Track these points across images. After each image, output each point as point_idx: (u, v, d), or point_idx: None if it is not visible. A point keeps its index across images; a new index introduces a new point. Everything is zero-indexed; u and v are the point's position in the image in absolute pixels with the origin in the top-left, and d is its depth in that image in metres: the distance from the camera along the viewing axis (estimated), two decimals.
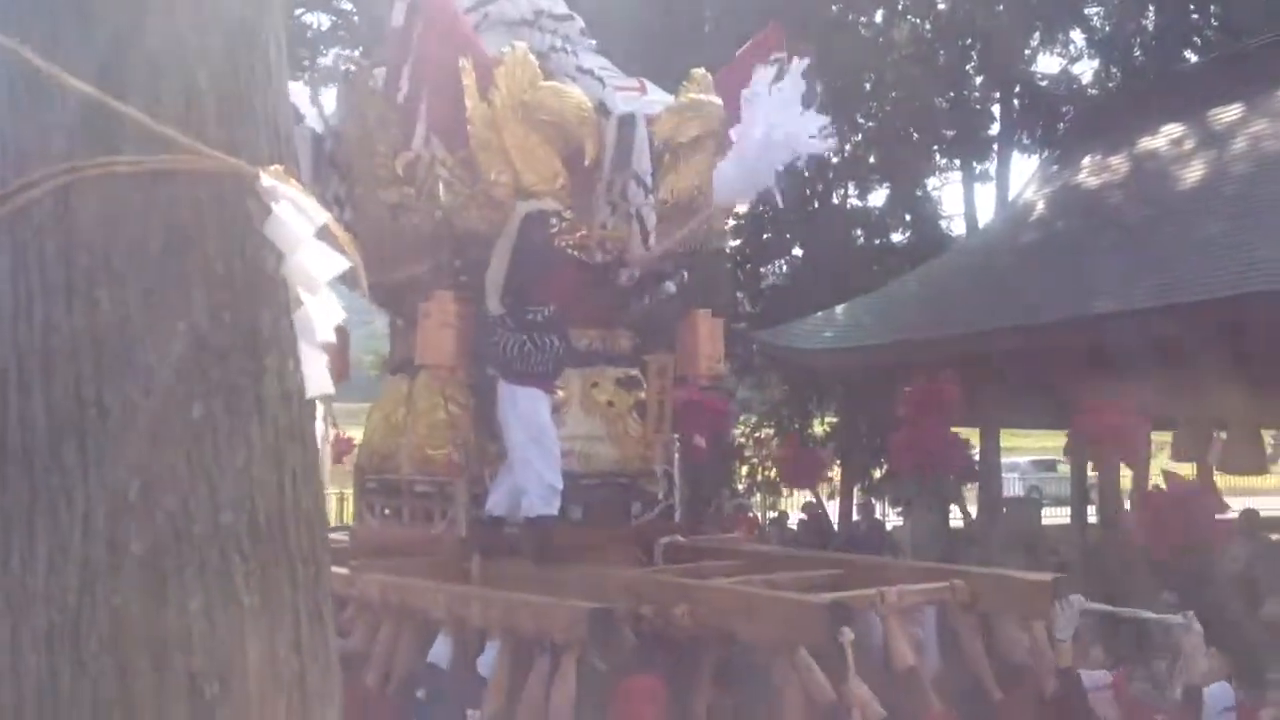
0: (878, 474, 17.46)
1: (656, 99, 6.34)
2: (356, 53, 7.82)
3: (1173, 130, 14.81)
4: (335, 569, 5.87)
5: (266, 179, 2.05)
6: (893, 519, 17.56)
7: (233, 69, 2.13)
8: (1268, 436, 13.52)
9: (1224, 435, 12.59)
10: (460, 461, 6.03)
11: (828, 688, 4.37)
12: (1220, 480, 15.91)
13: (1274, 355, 10.28)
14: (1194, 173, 13.75)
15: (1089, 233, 13.86)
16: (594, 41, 6.90)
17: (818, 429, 18.89)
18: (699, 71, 6.30)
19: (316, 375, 2.13)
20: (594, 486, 6.35)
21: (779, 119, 5.40)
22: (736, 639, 4.64)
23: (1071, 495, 15.53)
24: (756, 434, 18.62)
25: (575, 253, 5.74)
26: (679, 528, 6.61)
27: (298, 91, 6.38)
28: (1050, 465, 22.22)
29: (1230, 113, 14.21)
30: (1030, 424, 18.74)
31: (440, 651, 5.18)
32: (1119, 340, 11.30)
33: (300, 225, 2.06)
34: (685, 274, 6.97)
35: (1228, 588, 11.61)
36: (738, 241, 18.75)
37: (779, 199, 5.68)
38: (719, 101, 6.19)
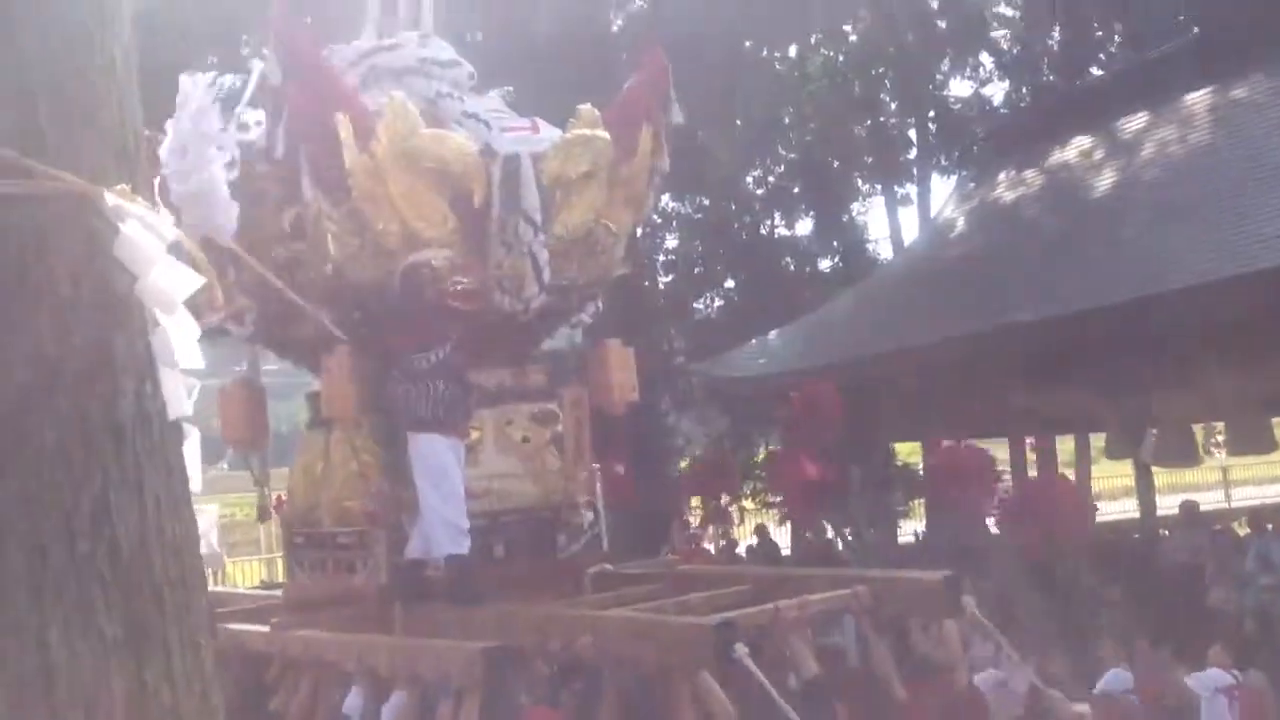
0: None
1: (546, 137, 6.42)
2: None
3: (1082, 142, 15.17)
4: (257, 627, 5.89)
5: (111, 197, 2.00)
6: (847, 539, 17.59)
7: (73, 82, 2.07)
8: (1198, 430, 13.73)
9: (1155, 431, 12.81)
10: (375, 510, 6.03)
11: (729, 708, 4.41)
12: (1159, 476, 16.21)
13: (1196, 350, 10.49)
14: (1106, 181, 14.08)
15: (1009, 245, 14.13)
16: (508, 90, 6.95)
17: (762, 457, 18.96)
18: (585, 108, 6.38)
19: (177, 397, 2.09)
20: (515, 523, 6.38)
21: None
22: (637, 665, 4.67)
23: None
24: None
25: (459, 300, 5.76)
26: (607, 556, 6.64)
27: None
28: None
29: (1137, 121, 14.58)
30: (972, 434, 18.91)
31: (353, 703, 5.19)
32: (1047, 345, 11.53)
33: (150, 244, 2.01)
34: (598, 306, 7.03)
35: (1173, 576, 11.82)
36: (670, 278, 18.97)
37: None
38: (607, 136, 6.28)
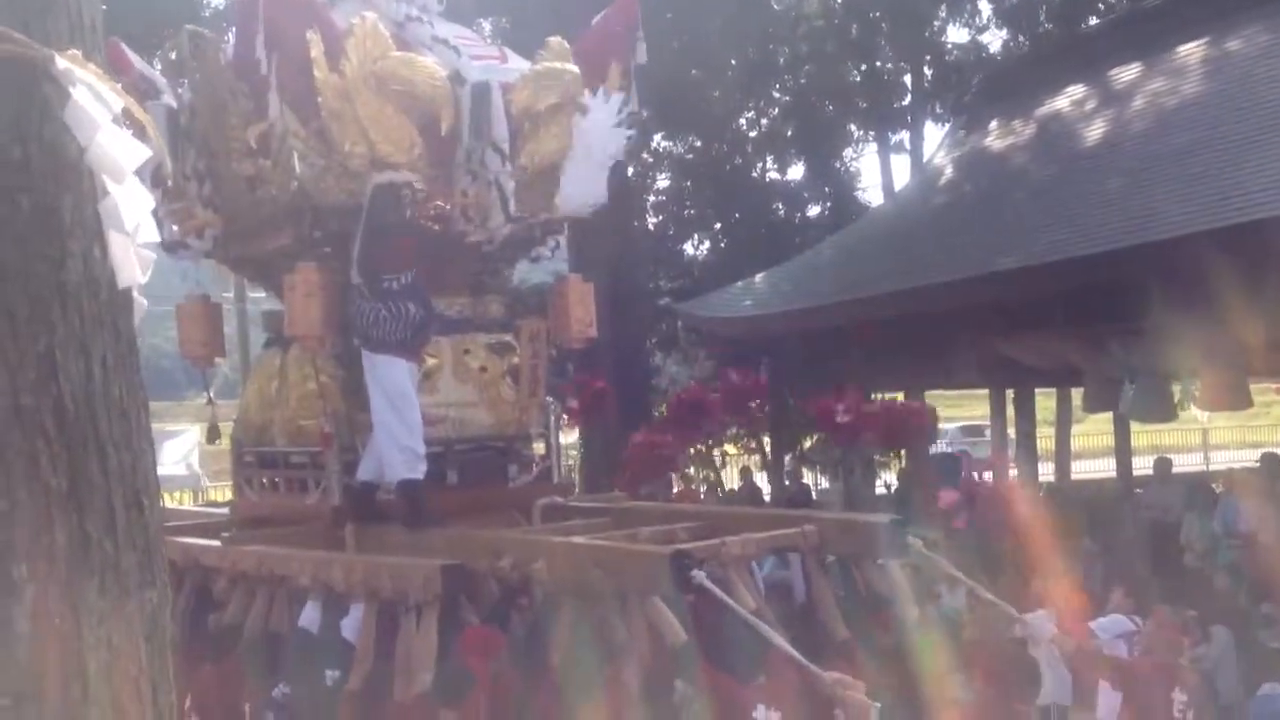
0: (808, 443, 17.62)
1: (515, 67, 6.39)
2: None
3: (1075, 91, 15.09)
4: (208, 542, 5.97)
5: (62, 61, 2.04)
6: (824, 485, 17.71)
7: None
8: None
9: (1133, 386, 12.82)
10: (331, 431, 6.07)
11: (680, 630, 4.51)
12: (1140, 436, 16.25)
13: (1176, 304, 10.48)
14: (1095, 131, 14.01)
15: (995, 193, 14.10)
16: (496, 25, 6.89)
17: None
18: (555, 40, 6.33)
19: (126, 264, 2.13)
20: (469, 451, 6.43)
21: (601, 142, 6.07)
22: (591, 590, 4.75)
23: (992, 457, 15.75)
24: None
25: (432, 223, 5.76)
26: (557, 488, 6.70)
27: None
28: (980, 431, 22.50)
29: (1130, 72, 14.48)
30: (950, 384, 18.97)
31: (310, 617, 5.28)
32: (1029, 294, 11.53)
33: (98, 111, 2.05)
34: (559, 241, 7.04)
35: (1145, 533, 11.94)
36: (659, 218, 18.95)
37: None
38: (575, 69, 6.24)
